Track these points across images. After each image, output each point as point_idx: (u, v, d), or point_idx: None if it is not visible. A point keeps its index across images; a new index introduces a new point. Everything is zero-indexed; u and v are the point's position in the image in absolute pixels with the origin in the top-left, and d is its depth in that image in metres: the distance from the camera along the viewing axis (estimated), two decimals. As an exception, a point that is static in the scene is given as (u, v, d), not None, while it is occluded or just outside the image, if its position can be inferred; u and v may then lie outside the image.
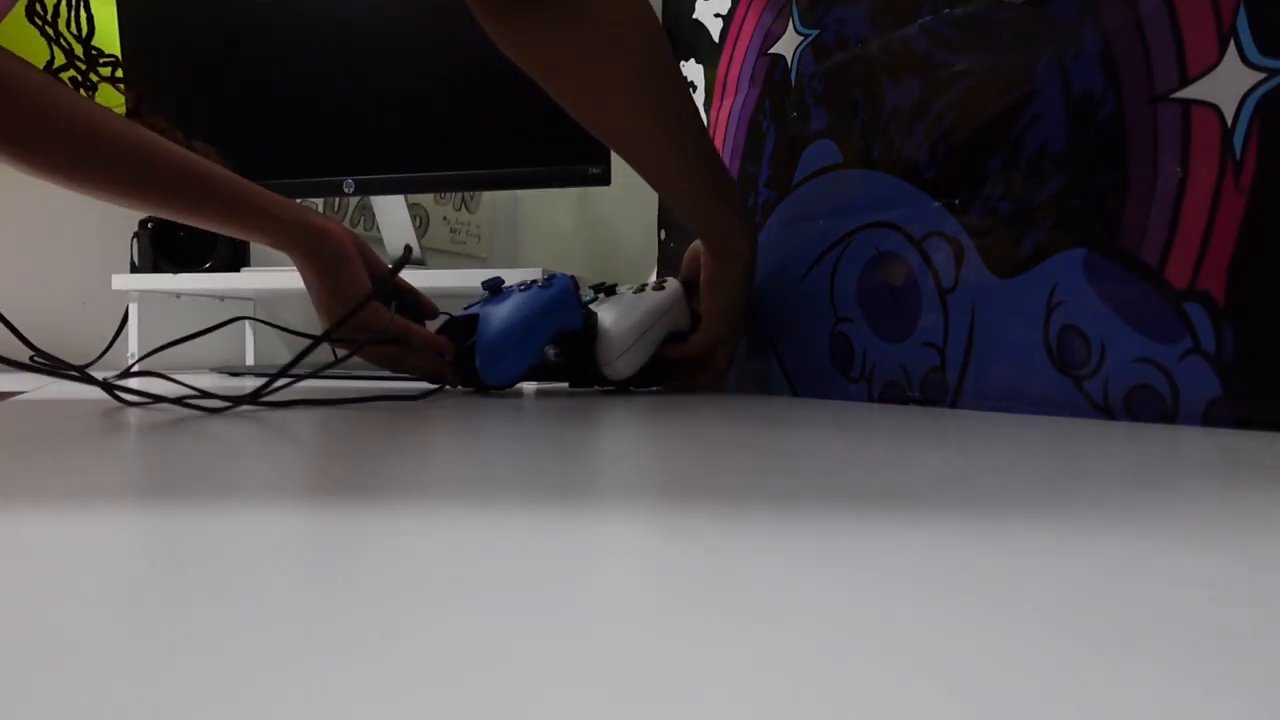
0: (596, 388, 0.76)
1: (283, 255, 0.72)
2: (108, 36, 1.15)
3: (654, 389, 0.77)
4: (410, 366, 0.71)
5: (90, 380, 0.48)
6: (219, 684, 0.10)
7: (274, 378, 0.52)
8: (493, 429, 0.41)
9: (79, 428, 0.39)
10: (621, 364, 0.71)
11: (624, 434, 0.40)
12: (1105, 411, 0.50)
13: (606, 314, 0.72)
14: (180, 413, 0.46)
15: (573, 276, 0.70)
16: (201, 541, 0.17)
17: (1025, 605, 0.14)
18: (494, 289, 0.70)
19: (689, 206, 0.70)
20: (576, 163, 0.98)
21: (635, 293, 0.75)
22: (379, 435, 0.37)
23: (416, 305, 0.76)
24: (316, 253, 0.69)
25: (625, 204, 1.06)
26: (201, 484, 0.24)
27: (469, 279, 0.90)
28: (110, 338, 1.16)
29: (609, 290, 0.77)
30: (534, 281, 0.69)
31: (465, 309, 0.71)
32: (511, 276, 0.73)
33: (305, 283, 0.72)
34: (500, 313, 0.66)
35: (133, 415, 0.44)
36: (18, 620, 0.12)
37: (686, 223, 0.72)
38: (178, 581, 0.15)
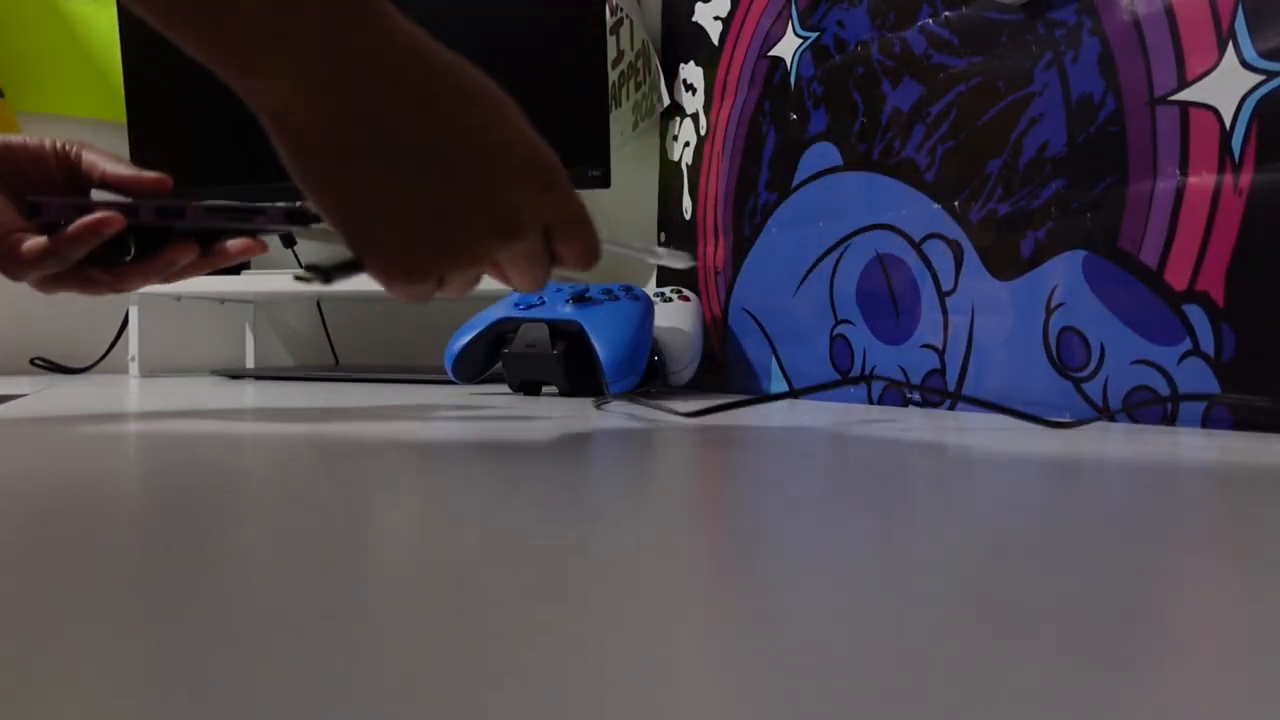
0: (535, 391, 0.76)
1: (285, 256, 0.71)
2: (107, 38, 1.15)
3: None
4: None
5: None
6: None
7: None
8: (465, 439, 0.41)
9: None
10: (689, 371, 0.78)
11: (619, 436, 0.40)
12: (1105, 413, 0.50)
13: (664, 324, 0.76)
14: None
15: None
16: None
17: (1025, 605, 0.14)
18: (579, 297, 0.70)
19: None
20: (576, 164, 0.97)
21: (664, 302, 0.78)
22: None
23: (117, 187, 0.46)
24: None
25: (625, 204, 1.06)
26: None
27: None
28: (111, 340, 1.16)
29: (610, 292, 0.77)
30: (611, 290, 0.70)
31: (526, 308, 0.70)
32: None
33: None
34: (618, 325, 0.67)
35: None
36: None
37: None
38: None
